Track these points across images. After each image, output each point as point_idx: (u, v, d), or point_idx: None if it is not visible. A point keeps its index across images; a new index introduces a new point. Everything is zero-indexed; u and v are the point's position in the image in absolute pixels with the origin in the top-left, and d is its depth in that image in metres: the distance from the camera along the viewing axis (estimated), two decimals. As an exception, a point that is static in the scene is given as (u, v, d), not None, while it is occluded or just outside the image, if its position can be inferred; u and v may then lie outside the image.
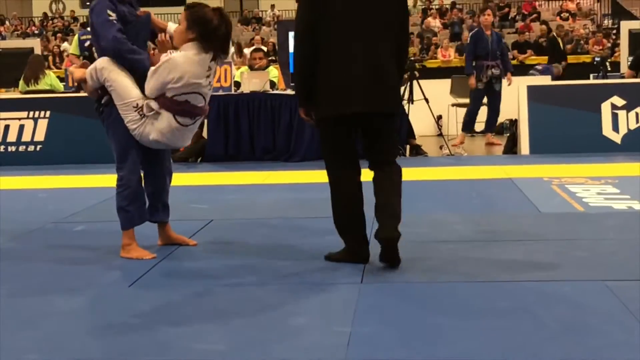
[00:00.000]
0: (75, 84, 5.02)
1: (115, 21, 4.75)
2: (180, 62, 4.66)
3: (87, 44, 11.27)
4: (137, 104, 4.74)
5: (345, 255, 4.63)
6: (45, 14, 32.33)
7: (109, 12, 4.75)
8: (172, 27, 5.02)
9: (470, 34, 11.55)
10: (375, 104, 4.47)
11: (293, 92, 9.74)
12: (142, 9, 5.00)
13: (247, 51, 16.09)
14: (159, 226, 5.20)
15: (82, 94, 10.73)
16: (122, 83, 4.77)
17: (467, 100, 13.00)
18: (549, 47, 17.97)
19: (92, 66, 4.90)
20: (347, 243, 4.64)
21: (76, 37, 12.25)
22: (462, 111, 12.93)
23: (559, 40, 17.34)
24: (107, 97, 4.86)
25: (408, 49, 4.90)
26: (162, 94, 4.70)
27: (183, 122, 4.77)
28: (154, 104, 4.73)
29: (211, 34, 4.67)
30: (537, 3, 28.65)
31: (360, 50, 4.43)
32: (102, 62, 4.81)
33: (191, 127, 4.87)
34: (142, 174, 4.99)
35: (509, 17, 27.26)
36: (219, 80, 10.01)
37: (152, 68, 4.71)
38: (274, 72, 10.64)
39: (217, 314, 3.79)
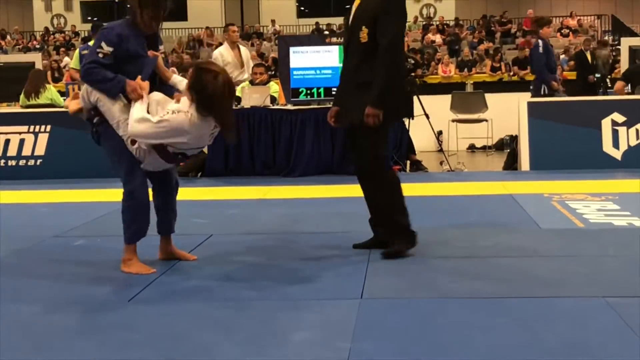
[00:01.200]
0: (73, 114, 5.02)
1: (103, 53, 4.76)
2: (186, 129, 4.63)
3: None
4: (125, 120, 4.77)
5: (409, 243, 5.18)
6: (46, 28, 32.45)
7: (104, 44, 4.76)
8: (176, 79, 4.99)
9: (539, 45, 11.34)
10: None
11: (293, 107, 9.76)
12: (151, 52, 4.96)
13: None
14: (162, 239, 5.20)
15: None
16: (110, 104, 4.79)
17: (467, 116, 13.05)
18: (577, 62, 17.89)
19: (84, 88, 4.92)
20: (406, 230, 5.18)
21: (77, 51, 12.28)
22: (463, 127, 12.97)
23: (587, 54, 17.27)
24: (99, 117, 4.87)
25: None
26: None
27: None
28: (143, 145, 4.74)
29: (210, 103, 4.61)
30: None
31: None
32: None
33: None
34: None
35: (510, 33, 27.35)
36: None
37: (150, 122, 4.64)
38: (274, 87, 10.65)
39: (217, 329, 3.78)
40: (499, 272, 4.73)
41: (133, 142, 4.74)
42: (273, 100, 10.20)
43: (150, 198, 5.00)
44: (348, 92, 5.18)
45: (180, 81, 4.93)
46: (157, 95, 4.82)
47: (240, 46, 11.30)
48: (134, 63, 4.84)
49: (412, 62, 19.10)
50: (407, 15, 5.26)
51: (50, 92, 11.42)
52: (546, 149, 9.78)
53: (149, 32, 4.93)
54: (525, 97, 10.87)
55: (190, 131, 4.64)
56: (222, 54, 10.89)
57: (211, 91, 4.59)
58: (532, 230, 6.10)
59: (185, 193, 8.37)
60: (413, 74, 18.10)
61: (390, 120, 5.15)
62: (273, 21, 31.50)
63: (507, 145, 12.24)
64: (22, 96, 11.49)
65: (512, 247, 5.47)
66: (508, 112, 10.95)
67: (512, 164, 10.24)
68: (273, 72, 16.94)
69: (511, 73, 21.37)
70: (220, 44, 18.27)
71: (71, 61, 21.17)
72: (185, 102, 4.68)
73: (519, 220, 6.49)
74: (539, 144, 9.81)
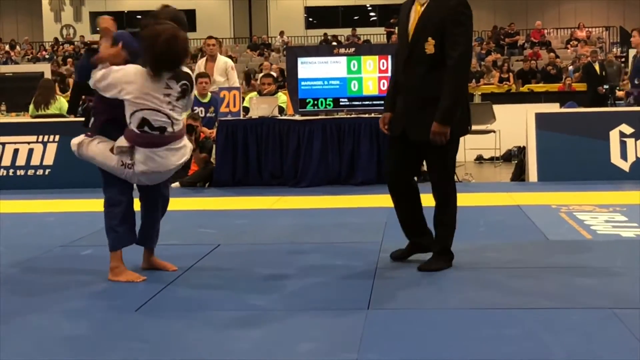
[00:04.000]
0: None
1: None
2: (132, 72, 4.72)
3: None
4: (120, 161, 4.81)
5: (448, 263, 5.13)
6: (56, 39, 32.58)
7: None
8: None
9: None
10: None
11: (301, 118, 9.78)
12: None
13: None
14: (145, 250, 5.20)
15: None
16: (103, 157, 4.88)
17: (475, 127, 13.00)
18: (585, 74, 17.87)
19: (75, 143, 5.05)
20: (449, 249, 5.16)
21: None
22: (470, 138, 12.93)
23: (596, 65, 17.23)
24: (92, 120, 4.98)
25: None
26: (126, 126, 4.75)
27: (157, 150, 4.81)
28: (123, 142, 4.77)
29: (158, 59, 4.67)
30: (545, 31, 28.74)
31: None
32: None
33: (171, 149, 4.88)
34: (135, 197, 5.02)
35: (517, 45, 27.36)
36: (227, 106, 10.06)
37: (103, 71, 4.75)
38: (282, 97, 10.67)
39: (224, 339, 3.78)
40: (506, 284, 4.72)
41: (118, 149, 4.78)
42: (281, 110, 10.22)
43: (137, 207, 5.04)
44: (414, 107, 4.96)
45: None
46: None
47: (222, 58, 11.63)
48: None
49: None
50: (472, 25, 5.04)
51: (60, 103, 11.49)
52: (554, 160, 9.76)
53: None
54: (533, 108, 10.86)
55: (135, 81, 4.69)
56: (199, 66, 11.59)
57: (157, 51, 4.62)
58: (540, 241, 6.08)
59: (193, 203, 8.40)
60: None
61: (458, 134, 5.04)
62: (282, 32, 31.57)
63: (515, 157, 12.23)
64: (31, 106, 11.55)
65: (520, 259, 5.46)
66: (516, 123, 10.94)
67: (519, 175, 10.22)
68: (281, 83, 16.98)
69: (519, 84, 21.36)
70: (230, 56, 18.43)
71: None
72: None
73: (527, 232, 6.47)
74: (547, 155, 9.80)
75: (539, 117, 10.03)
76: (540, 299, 4.35)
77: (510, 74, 21.93)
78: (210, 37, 11.77)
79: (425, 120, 4.85)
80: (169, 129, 4.81)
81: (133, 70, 4.74)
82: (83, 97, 11.11)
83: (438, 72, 4.81)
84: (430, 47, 4.83)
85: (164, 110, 4.77)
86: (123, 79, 4.73)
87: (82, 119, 10.02)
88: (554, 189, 8.90)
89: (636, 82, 10.80)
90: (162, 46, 4.63)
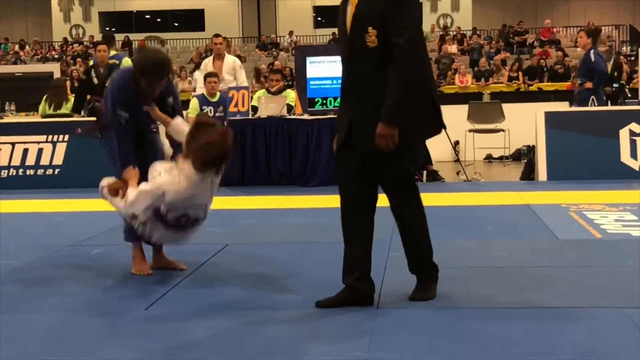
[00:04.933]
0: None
1: (124, 119, 4.99)
2: (178, 187, 4.58)
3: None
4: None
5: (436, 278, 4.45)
6: (65, 38, 32.67)
7: (120, 111, 4.97)
8: (177, 128, 4.95)
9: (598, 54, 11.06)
10: None
11: (310, 117, 9.78)
12: (145, 107, 5.07)
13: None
14: (154, 249, 5.22)
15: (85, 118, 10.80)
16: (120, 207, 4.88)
17: (484, 126, 13.02)
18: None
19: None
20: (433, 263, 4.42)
21: (91, 63, 12.32)
22: (480, 137, 12.94)
23: (607, 65, 17.15)
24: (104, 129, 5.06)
25: None
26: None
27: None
28: (141, 214, 4.70)
29: (209, 161, 4.59)
30: (555, 29, 28.67)
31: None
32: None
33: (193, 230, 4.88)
34: None
35: (527, 44, 27.30)
36: (236, 105, 10.06)
37: (144, 189, 4.68)
38: (291, 95, 10.67)
39: (232, 339, 3.78)
40: (515, 282, 4.71)
41: (134, 217, 4.74)
42: (290, 108, 10.21)
43: None
44: (363, 113, 4.11)
45: (180, 132, 4.86)
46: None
47: (230, 57, 11.54)
48: (133, 117, 5.00)
49: None
50: (423, 20, 4.75)
51: (71, 103, 11.52)
52: (563, 159, 9.73)
53: (146, 98, 5.01)
54: (542, 107, 10.83)
55: (183, 185, 4.58)
56: (206, 64, 11.49)
57: (207, 152, 4.55)
58: (550, 240, 6.07)
59: (202, 202, 8.40)
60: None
61: (415, 138, 4.31)
62: (291, 32, 31.57)
63: (524, 156, 12.20)
64: (41, 106, 11.58)
65: (529, 258, 5.45)
66: (525, 122, 10.92)
67: (529, 174, 10.20)
68: (290, 83, 16.98)
69: (528, 84, 21.32)
70: (239, 56, 18.44)
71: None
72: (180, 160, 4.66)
73: (536, 231, 6.46)
74: (557, 154, 9.77)
75: (549, 116, 10.01)
76: (549, 298, 4.34)
77: (520, 72, 21.91)
78: (217, 36, 11.75)
79: (375, 128, 4.03)
80: (202, 220, 4.81)
81: (179, 184, 4.61)
82: (89, 96, 11.14)
83: (386, 69, 4.01)
84: (372, 38, 4.04)
85: (205, 202, 4.78)
86: (169, 188, 4.62)
87: (90, 118, 10.17)
88: (564, 188, 8.88)
89: (579, 80, 10.85)
90: (214, 153, 4.57)
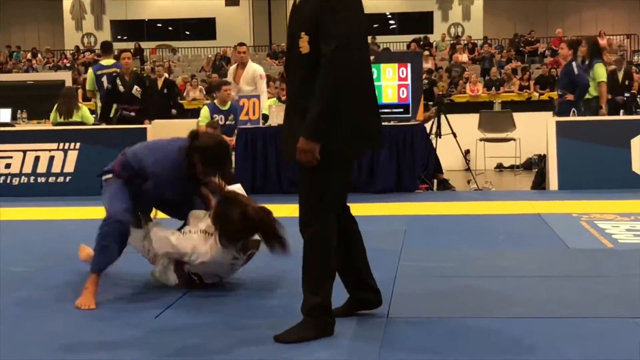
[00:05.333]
0: None
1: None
2: (203, 250, 4.70)
3: (104, 78, 11.43)
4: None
5: (318, 331, 3.88)
6: (77, 47, 32.80)
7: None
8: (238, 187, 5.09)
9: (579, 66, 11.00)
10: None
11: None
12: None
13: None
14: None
15: (112, 126, 10.87)
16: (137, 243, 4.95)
17: (494, 135, 13.01)
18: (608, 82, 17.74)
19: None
20: (319, 312, 3.91)
21: (90, 72, 12.31)
22: (490, 146, 12.92)
23: (620, 74, 17.06)
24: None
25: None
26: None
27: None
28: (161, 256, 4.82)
29: (230, 238, 4.66)
30: (566, 39, 28.61)
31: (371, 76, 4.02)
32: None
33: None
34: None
35: (538, 53, 27.26)
36: (247, 114, 10.07)
37: (175, 241, 4.74)
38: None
39: (243, 344, 3.78)
40: (525, 292, 4.69)
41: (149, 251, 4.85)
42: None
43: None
44: (291, 122, 3.88)
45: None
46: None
47: (252, 66, 11.44)
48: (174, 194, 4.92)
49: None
50: (360, 12, 3.88)
51: (82, 111, 11.56)
52: (575, 168, 9.70)
53: (195, 180, 4.93)
54: (553, 116, 10.80)
55: (207, 253, 4.69)
56: (230, 72, 11.64)
57: (232, 228, 4.62)
58: (561, 250, 6.05)
59: (212, 210, 8.40)
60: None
61: (338, 154, 3.81)
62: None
63: (535, 165, 12.18)
64: (52, 113, 11.63)
65: (540, 267, 5.43)
66: (536, 131, 10.89)
67: (540, 183, 10.18)
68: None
69: (539, 93, 21.29)
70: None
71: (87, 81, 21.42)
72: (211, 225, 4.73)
73: (547, 240, 6.44)
74: (568, 164, 9.74)
75: (560, 125, 9.98)
76: (559, 307, 4.32)
77: (531, 81, 21.88)
78: (241, 44, 11.75)
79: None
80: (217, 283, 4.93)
81: (206, 247, 4.71)
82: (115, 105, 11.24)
83: (315, 79, 3.75)
84: (304, 44, 3.77)
85: (221, 274, 4.86)
86: (196, 257, 4.71)
87: (119, 126, 10.28)
88: (575, 197, 8.85)
89: (559, 92, 10.78)
90: (239, 227, 4.63)
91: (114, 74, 11.26)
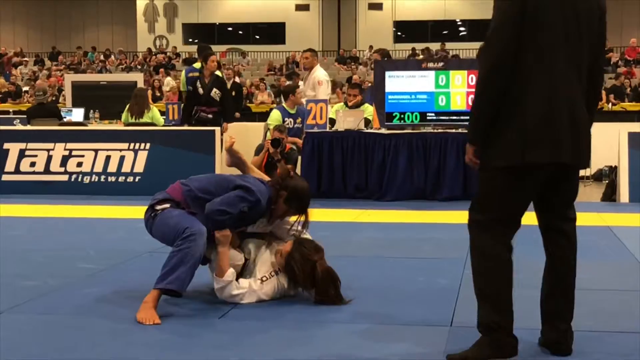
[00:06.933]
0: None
1: (242, 212, 4.63)
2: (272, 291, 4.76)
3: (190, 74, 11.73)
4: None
5: (492, 350, 3.63)
6: (149, 49, 33.37)
7: (246, 207, 4.63)
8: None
9: None
10: (577, 154, 3.71)
11: (387, 132, 9.76)
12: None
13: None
14: None
15: (181, 127, 11.03)
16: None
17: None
18: None
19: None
20: (492, 330, 3.66)
21: (183, 74, 12.61)
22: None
23: None
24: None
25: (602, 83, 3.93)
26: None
27: None
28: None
29: (295, 281, 4.73)
30: (640, 49, 28.05)
31: (561, 79, 3.53)
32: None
33: None
34: None
35: (611, 63, 26.78)
36: (314, 118, 10.11)
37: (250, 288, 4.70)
38: (369, 110, 10.66)
39: (303, 353, 3.79)
40: (595, 306, 4.60)
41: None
42: (367, 123, 10.22)
43: None
44: None
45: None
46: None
47: (317, 70, 11.51)
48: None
49: None
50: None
51: (153, 112, 11.78)
52: (647, 181, 9.49)
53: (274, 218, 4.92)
54: (626, 127, 10.59)
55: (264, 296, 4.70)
56: (304, 77, 11.99)
57: (298, 278, 4.67)
58: (631, 264, 5.92)
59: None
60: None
61: (495, 162, 3.54)
62: (370, 47, 31.62)
63: (606, 176, 11.93)
64: (124, 114, 11.85)
65: (610, 281, 5.33)
66: (608, 142, 10.68)
67: (610, 195, 9.98)
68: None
69: (612, 103, 20.91)
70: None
71: (172, 83, 21.75)
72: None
73: (617, 253, 6.31)
74: (639, 176, 9.53)
75: (632, 136, 9.78)
76: (630, 322, 4.24)
77: (604, 92, 21.50)
78: (305, 50, 11.85)
79: None
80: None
81: (263, 295, 4.71)
82: (195, 107, 11.47)
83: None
84: None
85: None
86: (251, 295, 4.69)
87: (199, 127, 10.47)
88: (646, 211, 8.66)
89: None
90: (303, 279, 4.68)
91: (195, 76, 11.50)
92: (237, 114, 16.24)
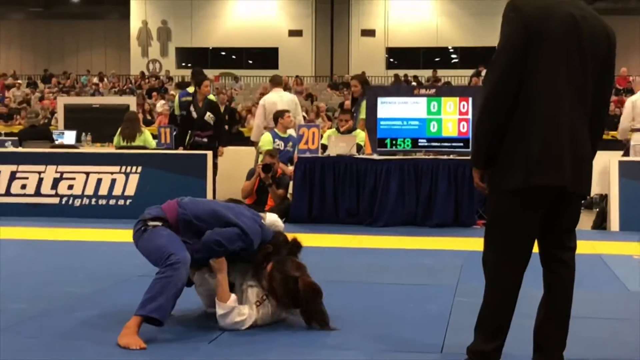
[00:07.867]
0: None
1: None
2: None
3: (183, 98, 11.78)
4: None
5: None
6: (142, 72, 33.43)
7: (255, 241, 4.68)
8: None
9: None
10: (578, 180, 3.68)
11: (379, 157, 9.79)
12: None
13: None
14: None
15: (173, 151, 11.03)
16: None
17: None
18: None
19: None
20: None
21: (177, 98, 12.65)
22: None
23: None
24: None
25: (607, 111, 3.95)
26: None
27: None
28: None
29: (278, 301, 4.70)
30: (631, 78, 28.23)
31: (565, 106, 3.55)
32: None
33: None
34: None
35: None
36: (306, 143, 10.14)
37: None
38: (361, 135, 10.70)
39: None
40: (584, 334, 4.60)
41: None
42: (359, 148, 10.24)
43: None
44: None
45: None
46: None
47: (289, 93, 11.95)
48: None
49: None
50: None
51: (145, 135, 11.78)
52: (637, 209, 9.51)
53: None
54: (616, 156, 10.64)
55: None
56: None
57: (279, 297, 4.64)
58: (620, 292, 5.93)
59: (269, 238, 8.43)
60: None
61: (499, 187, 3.64)
62: (363, 72, 31.76)
63: (597, 204, 11.96)
64: (116, 137, 11.84)
65: (599, 309, 5.33)
66: (598, 171, 10.72)
67: (601, 223, 10.00)
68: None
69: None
70: (310, 94, 18.74)
71: (162, 106, 21.76)
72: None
73: (607, 282, 6.32)
74: (630, 204, 9.57)
75: (623, 164, 9.83)
76: (619, 351, 4.24)
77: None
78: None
79: None
80: None
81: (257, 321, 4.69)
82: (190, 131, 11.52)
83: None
84: None
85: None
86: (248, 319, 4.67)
87: (193, 151, 10.49)
88: (636, 239, 8.66)
89: None
90: (286, 298, 4.66)
91: (188, 100, 11.55)
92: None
